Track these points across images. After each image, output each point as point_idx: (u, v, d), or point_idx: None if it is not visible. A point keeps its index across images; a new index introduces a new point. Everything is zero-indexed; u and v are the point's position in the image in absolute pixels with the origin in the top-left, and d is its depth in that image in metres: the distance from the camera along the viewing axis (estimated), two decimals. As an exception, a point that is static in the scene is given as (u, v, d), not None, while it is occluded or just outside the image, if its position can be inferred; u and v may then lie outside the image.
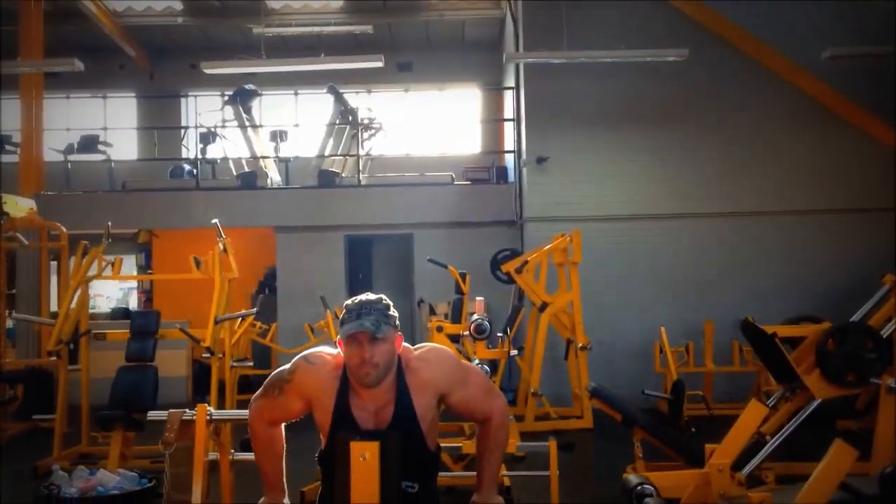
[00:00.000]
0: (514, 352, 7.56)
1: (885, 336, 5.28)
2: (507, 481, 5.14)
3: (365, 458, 2.36)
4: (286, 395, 2.59)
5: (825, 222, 10.04)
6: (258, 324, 9.99)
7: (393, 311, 2.50)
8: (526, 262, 8.43)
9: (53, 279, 10.44)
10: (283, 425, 2.71)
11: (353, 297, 2.54)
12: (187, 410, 3.50)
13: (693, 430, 6.57)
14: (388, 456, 2.38)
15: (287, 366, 2.64)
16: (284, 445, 2.71)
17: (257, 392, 2.70)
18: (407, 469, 2.45)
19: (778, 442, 4.68)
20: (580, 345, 8.30)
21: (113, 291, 14.72)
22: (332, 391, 2.51)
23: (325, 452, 2.57)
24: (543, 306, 8.32)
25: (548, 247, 8.59)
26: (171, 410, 3.52)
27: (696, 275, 10.04)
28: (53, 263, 10.36)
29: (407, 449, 2.44)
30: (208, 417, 3.46)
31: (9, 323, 11.00)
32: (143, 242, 13.16)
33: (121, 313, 12.69)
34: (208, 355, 7.39)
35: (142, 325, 7.28)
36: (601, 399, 5.84)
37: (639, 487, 3.31)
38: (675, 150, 10.17)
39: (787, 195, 10.08)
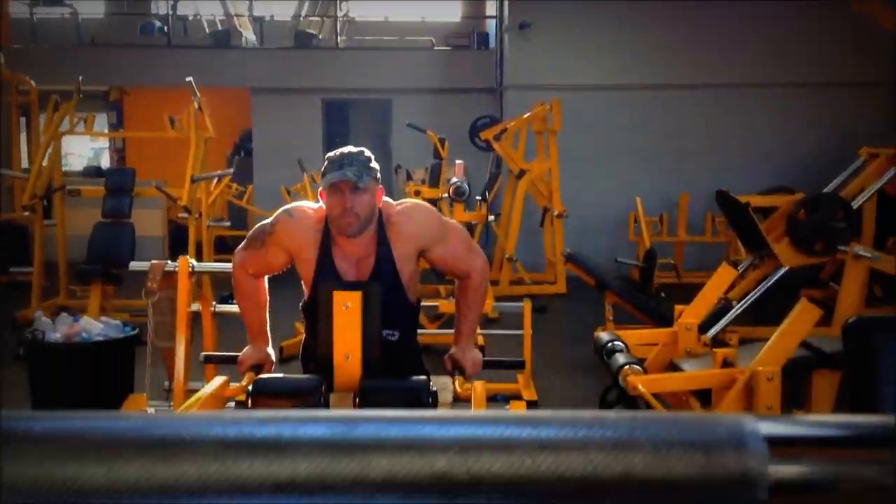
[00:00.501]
0: (490, 217, 7.63)
1: (855, 207, 5.38)
2: (481, 340, 5.29)
3: (347, 306, 2.42)
4: (268, 248, 2.61)
5: (812, 95, 10.00)
6: (234, 185, 9.97)
7: (374, 164, 2.51)
8: (505, 130, 8.39)
9: (24, 137, 10.26)
10: (265, 280, 2.75)
11: (336, 150, 2.53)
12: (169, 262, 3.55)
13: (663, 294, 6.74)
14: (370, 305, 2.45)
15: (269, 219, 2.65)
16: (267, 296, 2.75)
17: (241, 244, 2.73)
18: (387, 318, 2.52)
19: (744, 307, 4.83)
20: (556, 212, 8.39)
21: (85, 150, 14.50)
22: (315, 243, 2.54)
23: (308, 303, 2.62)
24: (521, 173, 8.34)
25: (527, 115, 8.53)
26: (153, 261, 3.56)
27: (676, 147, 10.07)
28: (23, 120, 10.16)
29: (388, 299, 2.51)
30: (190, 269, 3.51)
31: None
32: (113, 100, 12.87)
33: (93, 171, 12.44)
34: (185, 215, 7.40)
35: (117, 181, 7.22)
36: (575, 263, 5.96)
37: (609, 344, 3.43)
38: (662, 20, 9.97)
39: (774, 67, 9.98)
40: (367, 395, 2.32)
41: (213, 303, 3.91)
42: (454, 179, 6.51)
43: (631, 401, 3.87)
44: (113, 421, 0.51)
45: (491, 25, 11.32)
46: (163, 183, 8.45)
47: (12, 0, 11.24)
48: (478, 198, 7.31)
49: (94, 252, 6.90)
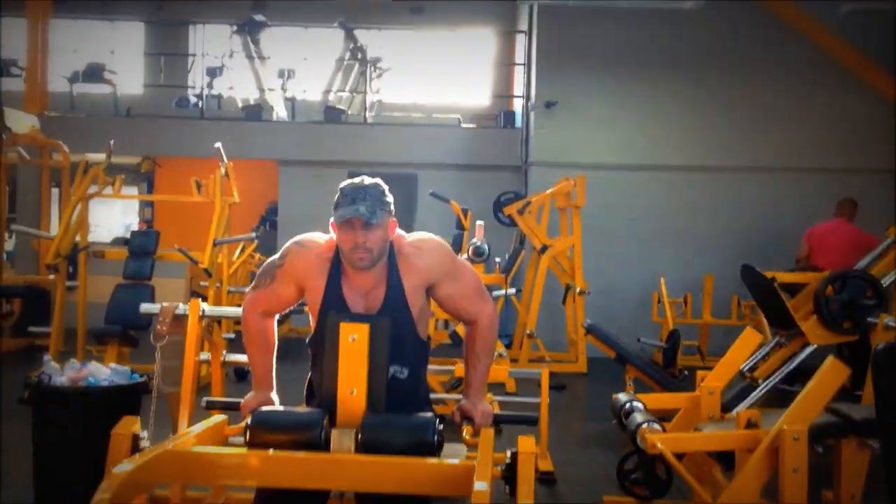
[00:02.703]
0: (511, 290, 7.55)
1: (885, 285, 5.25)
2: (496, 407, 5.14)
3: (354, 339, 2.34)
4: (278, 281, 2.56)
5: (834, 180, 9.93)
6: (258, 255, 9.99)
7: (388, 197, 2.47)
8: (528, 203, 8.39)
9: (55, 207, 10.41)
10: (276, 319, 2.68)
11: (349, 180, 2.50)
12: (180, 304, 3.50)
13: (685, 373, 6.57)
14: (378, 339, 2.37)
15: (278, 253, 2.61)
16: (276, 339, 2.68)
17: (250, 286, 2.68)
18: (396, 354, 2.44)
19: (769, 387, 4.66)
20: (578, 289, 8.30)
21: (115, 223, 14.70)
22: (324, 273, 2.49)
23: (314, 336, 2.55)
24: (543, 248, 8.29)
25: (551, 189, 8.54)
26: (163, 304, 3.52)
27: (698, 229, 9.99)
28: (55, 191, 10.34)
29: (396, 334, 2.43)
30: (201, 313, 3.46)
31: (8, 246, 11.02)
32: (146, 172, 13.08)
33: (122, 242, 12.68)
34: (205, 283, 7.39)
35: (140, 244, 7.27)
36: (596, 335, 5.84)
37: (627, 404, 3.30)
38: (685, 101, 10.06)
39: (797, 152, 9.98)
40: (368, 432, 2.22)
41: (224, 352, 3.84)
42: (474, 240, 6.48)
43: (651, 467, 3.71)
44: None
45: (518, 105, 11.46)
46: (187, 251, 8.52)
47: (54, 73, 11.59)
48: (496, 259, 7.26)
49: (113, 313, 6.89)
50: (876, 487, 3.86)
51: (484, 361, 2.61)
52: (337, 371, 2.35)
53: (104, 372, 3.65)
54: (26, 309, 8.36)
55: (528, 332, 8.20)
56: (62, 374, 3.60)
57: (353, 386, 2.33)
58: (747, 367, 5.86)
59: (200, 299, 3.45)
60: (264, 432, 2.26)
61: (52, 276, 7.51)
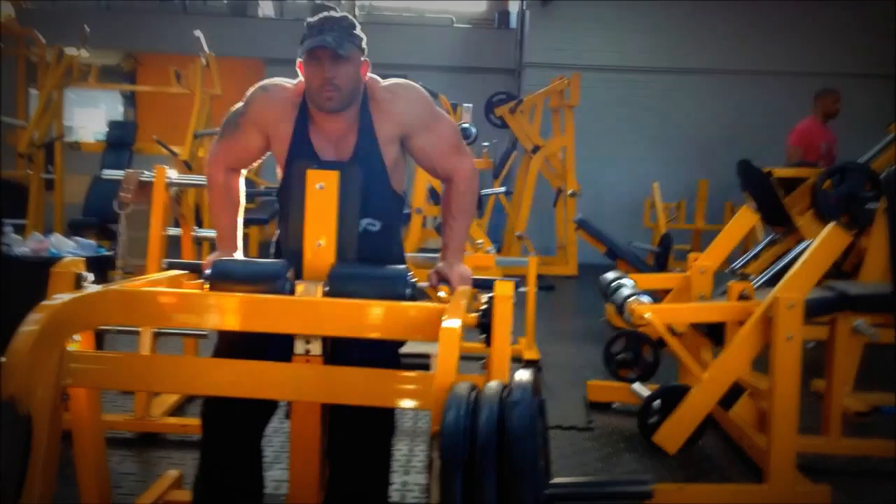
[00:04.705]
0: (501, 189, 7.37)
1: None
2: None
3: (322, 188, 2.15)
4: (243, 130, 2.35)
5: (832, 84, 9.64)
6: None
7: (360, 32, 2.24)
8: (520, 102, 8.14)
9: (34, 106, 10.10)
10: (242, 175, 2.49)
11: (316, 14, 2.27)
12: (145, 171, 3.31)
13: (677, 273, 6.44)
14: (348, 187, 2.18)
15: (242, 101, 2.40)
16: (243, 199, 2.48)
17: (214, 139, 2.48)
18: (368, 206, 2.26)
19: (762, 281, 4.54)
20: (570, 191, 8.12)
21: (100, 127, 14.37)
22: (290, 118, 2.29)
23: (281, 188, 2.37)
24: (535, 149, 8.08)
25: (544, 89, 8.28)
26: (127, 170, 3.33)
27: (697, 133, 9.78)
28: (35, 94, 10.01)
29: (369, 184, 2.24)
30: (167, 180, 3.27)
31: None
32: (128, 71, 12.70)
33: (104, 143, 12.41)
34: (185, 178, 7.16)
35: (118, 135, 7.06)
36: (586, 230, 5.69)
37: (615, 281, 3.15)
38: (685, 2, 9.70)
39: (801, 55, 9.68)
40: (336, 283, 2.05)
41: (194, 226, 3.67)
42: (461, 122, 6.24)
43: (636, 346, 3.60)
44: None
45: (513, 6, 11.08)
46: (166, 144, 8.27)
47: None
48: (485, 144, 7.03)
49: (91, 205, 6.72)
50: (868, 379, 3.79)
51: (461, 221, 2.42)
52: (303, 222, 2.17)
53: (68, 244, 3.49)
54: (3, 204, 8.12)
55: (517, 234, 8.06)
56: (24, 244, 3.43)
57: (320, 237, 2.15)
58: (739, 265, 5.76)
59: (165, 167, 3.25)
60: (224, 283, 2.08)
61: (29, 172, 7.29)
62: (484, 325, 1.89)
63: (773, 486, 2.60)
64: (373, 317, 1.84)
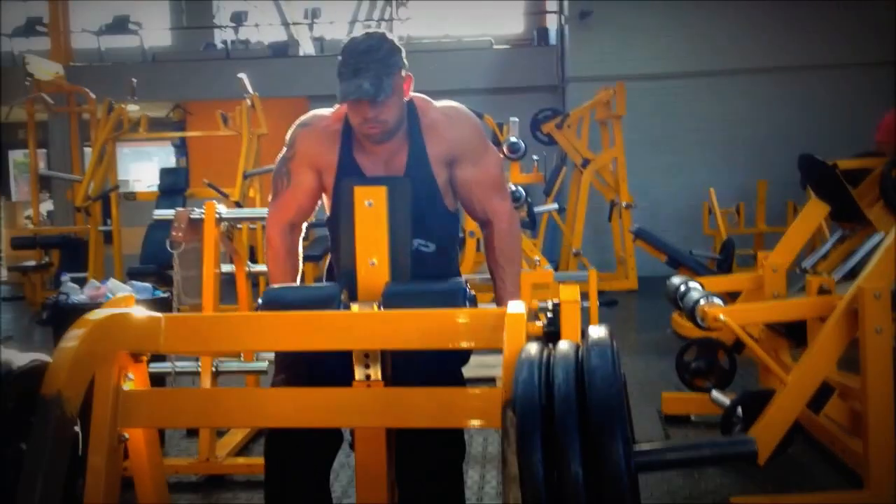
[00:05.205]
0: (553, 206, 7.24)
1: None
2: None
3: (371, 205, 2.07)
4: (294, 174, 2.24)
5: (883, 73, 9.33)
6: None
7: (396, 54, 2.11)
8: (566, 116, 8.03)
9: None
10: (300, 237, 2.39)
11: (351, 37, 2.17)
12: (195, 209, 3.28)
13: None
14: (398, 202, 2.09)
15: (284, 147, 2.32)
16: (301, 262, 2.35)
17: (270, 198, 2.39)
18: (421, 226, 2.17)
19: (839, 276, 4.33)
20: (624, 203, 7.95)
21: (154, 178, 14.67)
22: (334, 146, 2.19)
23: (331, 215, 2.28)
24: (585, 162, 7.95)
25: (590, 102, 8.16)
26: (178, 209, 3.31)
27: (752, 134, 9.51)
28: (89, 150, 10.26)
29: (420, 203, 2.15)
30: (218, 216, 3.23)
31: (48, 205, 11.03)
32: (178, 122, 12.93)
33: (159, 194, 12.65)
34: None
35: (170, 182, 7.14)
36: (645, 239, 5.54)
37: (683, 285, 3.01)
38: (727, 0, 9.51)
39: (855, 46, 9.35)
40: (391, 301, 1.95)
41: (248, 263, 3.63)
42: (508, 137, 6.16)
43: (710, 353, 3.43)
44: None
45: (551, 22, 11.02)
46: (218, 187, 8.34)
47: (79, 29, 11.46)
48: (535, 157, 6.90)
49: (148, 253, 6.79)
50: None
51: (509, 269, 2.28)
52: (354, 241, 2.08)
53: (124, 289, 3.47)
54: (64, 259, 8.29)
55: (574, 251, 7.92)
56: (81, 292, 3.42)
57: (372, 256, 2.06)
58: (809, 264, 5.53)
59: (215, 202, 3.22)
60: (276, 310, 2.01)
61: (87, 225, 7.40)
62: (551, 334, 1.78)
63: (873, 492, 2.42)
64: (433, 324, 1.72)
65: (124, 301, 1.85)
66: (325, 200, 2.32)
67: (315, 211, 2.38)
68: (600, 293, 5.61)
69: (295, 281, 2.33)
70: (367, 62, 2.04)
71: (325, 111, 2.28)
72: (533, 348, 1.24)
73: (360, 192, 2.07)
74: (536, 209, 7.07)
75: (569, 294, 1.73)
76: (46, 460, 1.42)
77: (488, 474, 3.15)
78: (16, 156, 14.91)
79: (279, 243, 2.29)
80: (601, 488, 1.06)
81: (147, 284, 3.57)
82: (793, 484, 2.82)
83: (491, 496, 2.91)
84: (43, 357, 1.51)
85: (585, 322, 4.39)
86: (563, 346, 1.23)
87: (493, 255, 2.28)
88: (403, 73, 2.15)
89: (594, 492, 1.07)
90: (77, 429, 1.54)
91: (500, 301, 2.25)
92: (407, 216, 2.12)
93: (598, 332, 1.23)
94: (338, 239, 2.23)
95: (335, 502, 2.42)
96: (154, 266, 6.51)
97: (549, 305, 1.81)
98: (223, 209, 3.25)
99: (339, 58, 2.10)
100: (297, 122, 2.31)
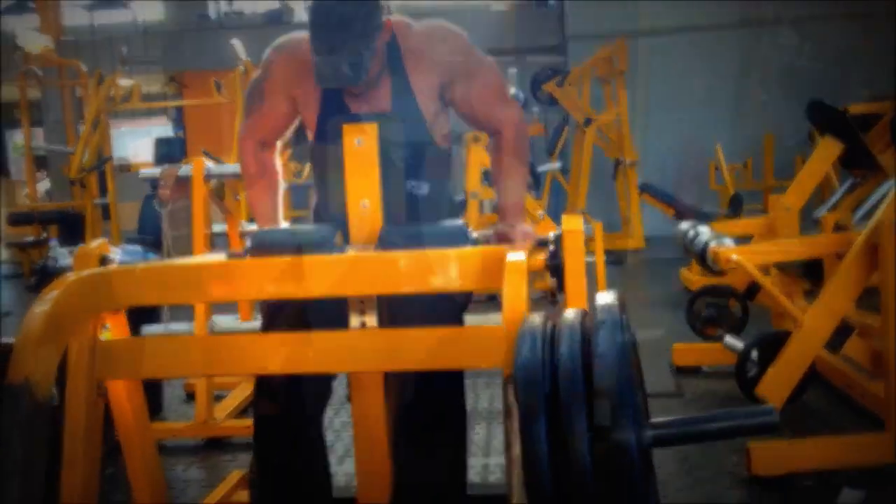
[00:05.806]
0: (556, 164, 7.10)
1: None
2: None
3: (361, 143, 1.94)
4: (268, 97, 2.12)
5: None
6: (292, 164, 9.65)
7: (374, 15, 1.89)
8: (567, 74, 7.86)
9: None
10: (276, 154, 2.28)
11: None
12: (183, 165, 3.16)
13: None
14: (389, 140, 1.97)
15: (258, 69, 2.19)
16: (280, 178, 2.26)
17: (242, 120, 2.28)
18: (412, 167, 2.04)
19: (855, 219, 4.21)
20: (629, 161, 7.79)
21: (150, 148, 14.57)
22: (313, 77, 2.06)
23: (315, 150, 2.15)
24: (588, 121, 7.78)
25: (591, 59, 7.98)
26: (165, 166, 3.19)
27: (757, 89, 9.32)
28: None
29: (410, 142, 2.03)
30: (206, 172, 3.12)
31: (46, 184, 10.94)
32: (173, 95, 12.79)
33: (157, 166, 12.55)
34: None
35: (165, 152, 7.03)
36: (651, 193, 5.42)
37: (692, 230, 2.89)
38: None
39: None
40: (389, 245, 1.83)
41: (242, 222, 3.52)
42: (509, 90, 6.00)
43: (722, 300, 3.32)
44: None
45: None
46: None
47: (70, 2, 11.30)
48: (535, 109, 6.72)
49: (145, 224, 6.69)
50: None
51: (515, 177, 2.15)
52: (344, 182, 1.96)
53: (114, 252, 3.35)
54: (62, 234, 8.18)
55: (578, 210, 7.78)
56: (68, 257, 3.31)
57: (364, 197, 1.93)
58: (821, 214, 5.41)
59: (203, 158, 3.10)
60: (266, 254, 1.89)
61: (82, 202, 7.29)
62: (554, 267, 1.66)
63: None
64: (432, 266, 1.60)
65: (97, 250, 1.73)
66: (308, 133, 2.19)
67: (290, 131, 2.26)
68: (607, 252, 5.52)
69: (274, 199, 2.22)
70: (344, 38, 1.86)
71: (301, 36, 2.05)
72: (536, 318, 1.13)
73: (349, 129, 1.93)
74: (539, 168, 6.95)
75: (571, 223, 1.61)
76: (20, 458, 1.30)
77: (495, 430, 3.06)
78: (15, 137, 14.81)
79: (251, 161, 2.20)
80: (610, 467, 0.97)
81: (137, 247, 3.45)
82: (810, 428, 2.72)
83: (498, 451, 2.82)
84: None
85: (591, 277, 4.30)
86: (568, 316, 1.12)
87: (501, 165, 2.15)
88: (383, 17, 1.97)
89: (602, 470, 0.98)
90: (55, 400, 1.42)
91: (503, 210, 2.13)
92: (399, 155, 2.01)
93: (606, 299, 1.12)
94: (324, 178, 2.12)
95: (339, 461, 2.33)
96: (151, 237, 6.40)
97: (551, 237, 1.69)
98: (212, 165, 3.14)
99: (310, 16, 1.90)
100: (273, 44, 2.14)
